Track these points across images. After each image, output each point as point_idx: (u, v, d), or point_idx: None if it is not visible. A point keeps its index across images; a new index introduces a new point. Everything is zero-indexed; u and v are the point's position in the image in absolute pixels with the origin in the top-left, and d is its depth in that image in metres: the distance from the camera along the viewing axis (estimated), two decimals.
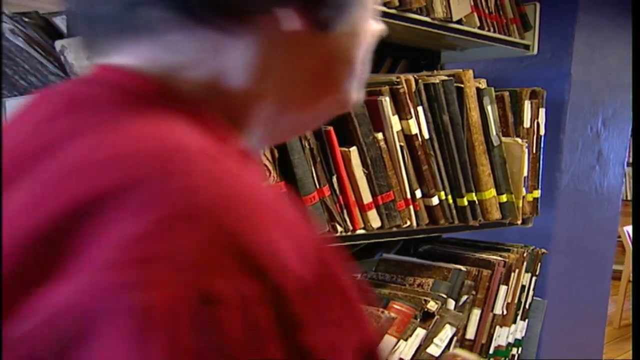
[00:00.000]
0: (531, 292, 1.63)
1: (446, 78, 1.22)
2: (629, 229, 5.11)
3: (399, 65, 1.63)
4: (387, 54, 1.60)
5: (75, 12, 0.48)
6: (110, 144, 0.38)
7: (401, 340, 1.24)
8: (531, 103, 1.50)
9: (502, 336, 1.56)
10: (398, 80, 1.15)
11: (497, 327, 1.53)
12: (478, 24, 1.38)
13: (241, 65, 0.44)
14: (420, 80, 1.19)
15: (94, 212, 0.34)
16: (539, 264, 1.63)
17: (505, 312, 1.54)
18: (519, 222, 1.48)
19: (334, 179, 1.09)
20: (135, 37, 0.44)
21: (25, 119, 0.44)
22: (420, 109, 1.19)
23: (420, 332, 1.28)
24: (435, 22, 1.27)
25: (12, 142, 0.42)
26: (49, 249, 0.34)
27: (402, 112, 1.16)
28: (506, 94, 1.41)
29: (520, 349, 1.65)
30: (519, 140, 1.40)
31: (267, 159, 1.00)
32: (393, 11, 1.20)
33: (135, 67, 0.44)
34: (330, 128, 1.08)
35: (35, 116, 0.43)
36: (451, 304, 1.38)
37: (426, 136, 1.21)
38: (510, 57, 1.94)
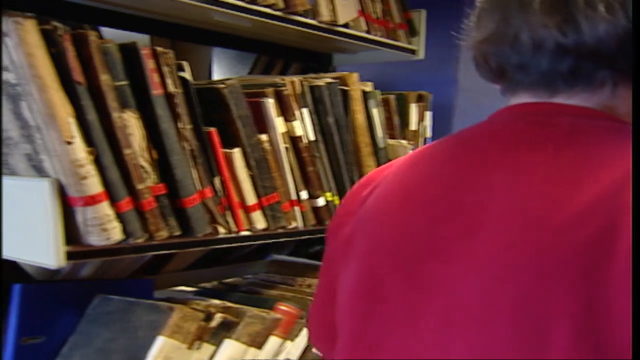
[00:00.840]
0: None
1: (331, 81, 1.23)
2: None
3: (291, 67, 1.64)
4: (279, 56, 1.61)
5: (522, 66, 0.69)
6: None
7: (287, 341, 1.24)
8: (418, 106, 1.54)
9: None
10: (283, 82, 1.16)
11: None
12: (365, 28, 1.41)
13: (628, 107, 0.68)
14: (305, 83, 1.19)
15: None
16: None
17: None
18: None
19: (217, 180, 1.08)
20: (577, 86, 0.68)
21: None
22: (305, 110, 1.20)
23: (306, 332, 1.29)
24: (322, 25, 1.28)
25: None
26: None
27: (286, 113, 1.17)
28: (392, 97, 1.45)
29: None
30: (404, 142, 1.44)
31: (146, 160, 0.97)
32: (278, 13, 1.21)
33: (579, 106, 0.68)
34: (213, 129, 1.07)
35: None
36: None
37: (311, 138, 1.22)
38: (400, 61, 2.00)
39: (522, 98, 0.73)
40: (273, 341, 1.21)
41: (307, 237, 1.34)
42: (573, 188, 0.59)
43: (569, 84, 0.68)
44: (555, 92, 0.69)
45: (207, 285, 1.57)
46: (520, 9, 0.67)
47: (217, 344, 1.12)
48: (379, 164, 1.39)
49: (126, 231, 0.94)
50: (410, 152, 0.92)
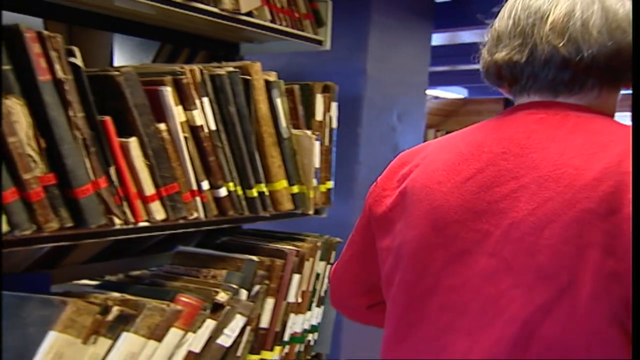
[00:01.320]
0: (326, 280, 1.69)
1: (233, 70, 1.22)
2: None
3: (198, 56, 1.61)
4: (185, 44, 1.58)
5: (534, 75, 0.93)
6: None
7: (189, 333, 1.23)
8: (323, 97, 1.55)
9: (298, 323, 1.61)
10: (182, 70, 1.14)
11: (292, 314, 1.57)
12: (269, 18, 1.40)
13: (607, 105, 0.94)
14: (205, 71, 1.18)
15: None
16: (333, 252, 1.70)
17: (300, 300, 1.58)
18: (311, 212, 1.53)
19: (112, 170, 1.05)
20: (574, 90, 0.92)
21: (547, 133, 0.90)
22: (205, 100, 1.18)
23: (210, 324, 1.28)
24: (224, 13, 1.27)
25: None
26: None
27: (186, 102, 1.15)
28: (296, 87, 1.45)
29: (316, 334, 1.71)
30: (309, 132, 1.45)
31: (33, 149, 0.94)
32: (180, 0, 1.19)
33: (576, 104, 0.92)
34: (107, 118, 1.04)
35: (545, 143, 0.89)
36: (244, 294, 1.39)
37: (212, 127, 1.20)
38: (309, 52, 2.01)
39: (532, 98, 0.96)
40: (174, 333, 1.19)
41: (209, 227, 1.33)
42: (589, 159, 0.83)
43: (567, 88, 0.92)
44: (558, 94, 0.94)
45: (112, 278, 1.53)
46: (535, 34, 0.91)
47: (115, 337, 1.10)
48: (283, 155, 1.39)
49: (11, 223, 0.90)
50: (427, 141, 1.10)
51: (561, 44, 0.89)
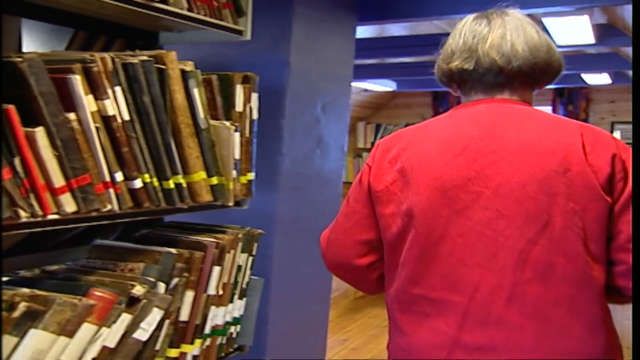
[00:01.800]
0: (248, 272, 1.69)
1: (146, 58, 1.19)
2: None
3: (114, 44, 1.57)
4: (101, 32, 1.53)
5: (471, 73, 1.33)
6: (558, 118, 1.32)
7: (103, 328, 1.20)
8: (243, 87, 1.54)
9: (219, 316, 1.59)
10: (92, 58, 1.10)
11: (213, 307, 1.56)
12: (186, 6, 1.38)
13: (530, 100, 1.37)
14: (117, 60, 1.15)
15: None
16: (256, 244, 1.69)
17: (221, 292, 1.57)
18: (231, 203, 1.52)
19: (17, 161, 1.01)
20: (506, 89, 1.32)
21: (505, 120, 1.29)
22: (118, 89, 1.15)
23: (125, 318, 1.25)
24: (138, 0, 1.24)
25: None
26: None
27: (97, 91, 1.12)
28: (214, 77, 1.43)
29: (238, 326, 1.71)
30: (227, 123, 1.43)
31: None
32: None
33: (510, 99, 1.33)
34: (11, 106, 1.00)
35: (498, 122, 1.28)
36: (162, 287, 1.37)
37: (126, 118, 1.18)
38: (230, 42, 1.98)
39: (477, 95, 1.36)
40: (86, 328, 1.16)
41: (125, 220, 1.30)
42: (542, 136, 1.23)
43: (502, 88, 1.34)
44: (499, 92, 1.35)
45: (27, 273, 1.47)
46: (479, 50, 1.31)
47: (21, 335, 1.06)
48: (201, 146, 1.38)
49: None
50: (397, 131, 1.41)
51: (497, 57, 1.30)
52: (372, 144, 7.53)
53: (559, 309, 1.20)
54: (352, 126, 7.72)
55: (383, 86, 6.47)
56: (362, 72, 5.77)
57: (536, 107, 1.37)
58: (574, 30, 3.47)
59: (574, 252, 1.19)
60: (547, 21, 3.22)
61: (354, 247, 1.41)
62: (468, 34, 1.33)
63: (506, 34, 1.30)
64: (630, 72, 5.58)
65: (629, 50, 4.72)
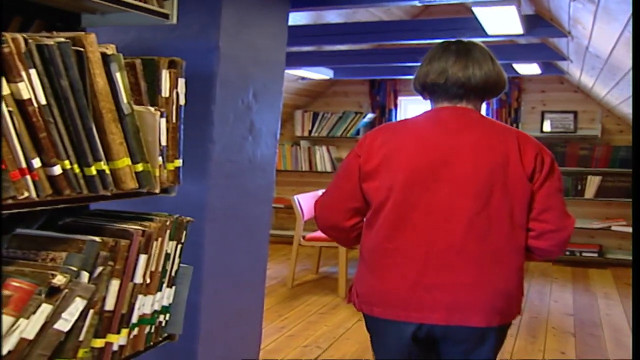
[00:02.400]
0: (177, 260, 1.67)
1: (63, 40, 1.15)
2: (299, 197, 5.58)
3: (32, 25, 1.51)
4: (17, 11, 1.47)
5: (440, 86, 1.83)
6: (504, 126, 1.88)
7: (21, 319, 1.16)
8: (169, 72, 1.51)
9: (147, 304, 1.57)
10: (3, 38, 1.06)
11: (140, 296, 1.53)
12: None
13: (481, 109, 1.92)
14: (31, 41, 1.11)
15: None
16: (185, 232, 1.67)
17: (148, 281, 1.55)
18: (157, 191, 1.49)
19: None
20: (464, 99, 1.84)
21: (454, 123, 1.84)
22: (33, 72, 1.11)
23: (45, 308, 1.22)
24: None
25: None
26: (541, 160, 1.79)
27: (10, 74, 1.08)
28: (138, 61, 1.40)
29: (168, 315, 1.68)
30: (152, 109, 1.40)
31: None
32: None
33: (467, 107, 1.84)
34: None
35: (457, 124, 1.84)
36: (85, 276, 1.34)
37: (42, 102, 1.14)
38: (159, 26, 1.94)
39: (443, 103, 1.85)
40: (3, 320, 1.12)
41: (46, 208, 1.26)
42: (491, 137, 1.77)
43: (464, 98, 1.82)
44: (459, 102, 1.83)
45: None
46: (448, 69, 1.79)
47: None
48: (124, 131, 1.35)
49: None
50: (376, 127, 1.98)
51: (462, 75, 1.80)
52: (310, 132, 7.55)
53: (491, 258, 1.78)
54: (289, 114, 7.71)
55: (320, 74, 6.48)
56: (299, 60, 5.76)
57: None
58: (502, 20, 3.56)
59: (504, 221, 1.77)
60: (477, 10, 3.28)
61: (344, 213, 1.92)
62: (442, 60, 1.83)
63: (469, 62, 1.81)
64: (559, 63, 5.76)
65: (556, 41, 4.87)
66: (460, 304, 1.76)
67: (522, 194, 1.76)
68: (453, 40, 1.89)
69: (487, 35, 4.06)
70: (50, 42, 1.13)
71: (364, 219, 1.91)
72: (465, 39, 1.88)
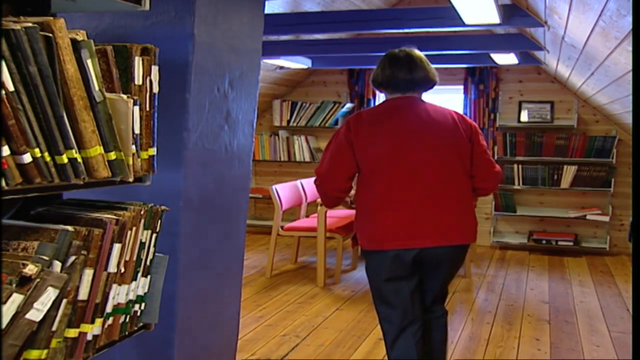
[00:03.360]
0: (152, 249, 1.66)
1: (30, 25, 1.13)
2: (277, 187, 5.56)
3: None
4: None
5: (394, 84, 2.65)
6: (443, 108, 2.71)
7: None
8: (142, 59, 1.49)
9: (122, 294, 1.56)
10: None
11: (115, 285, 1.52)
12: None
13: (421, 96, 2.73)
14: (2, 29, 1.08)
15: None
16: (159, 220, 1.66)
17: (123, 270, 1.54)
18: (131, 179, 1.48)
19: None
20: (411, 91, 2.63)
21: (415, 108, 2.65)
22: None
23: (16, 298, 1.20)
24: None
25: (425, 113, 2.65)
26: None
27: None
28: (109, 48, 1.38)
29: (143, 304, 1.67)
30: (125, 96, 1.39)
31: None
32: None
33: (415, 97, 2.65)
34: None
35: (415, 107, 2.65)
36: (57, 265, 1.32)
37: (10, 88, 1.12)
38: (132, 13, 1.92)
39: (397, 94, 2.64)
40: None
41: (15, 197, 1.24)
42: (438, 114, 2.62)
43: (410, 90, 2.62)
44: (409, 92, 2.62)
45: None
46: (399, 69, 2.59)
47: None
48: (96, 119, 1.33)
49: None
50: (356, 113, 2.73)
51: (411, 73, 2.56)
52: (289, 121, 7.53)
53: (457, 197, 2.61)
54: (267, 104, 7.68)
55: (298, 63, 6.46)
56: (277, 49, 5.73)
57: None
58: (480, 10, 3.57)
59: (460, 171, 2.61)
60: (454, 0, 3.29)
61: (344, 177, 2.66)
62: (393, 65, 2.63)
63: (412, 66, 2.60)
64: (536, 53, 5.80)
65: (533, 31, 4.90)
66: (443, 231, 2.58)
67: (466, 152, 2.63)
68: (398, 50, 2.66)
69: (464, 25, 4.07)
70: (17, 26, 1.11)
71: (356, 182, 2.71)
72: (407, 49, 2.65)
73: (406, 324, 2.65)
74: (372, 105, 7.42)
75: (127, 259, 1.54)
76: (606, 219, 6.65)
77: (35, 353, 1.26)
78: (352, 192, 2.81)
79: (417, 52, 2.64)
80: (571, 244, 6.76)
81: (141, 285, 1.64)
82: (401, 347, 2.66)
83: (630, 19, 2.41)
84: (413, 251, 2.57)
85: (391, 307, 2.67)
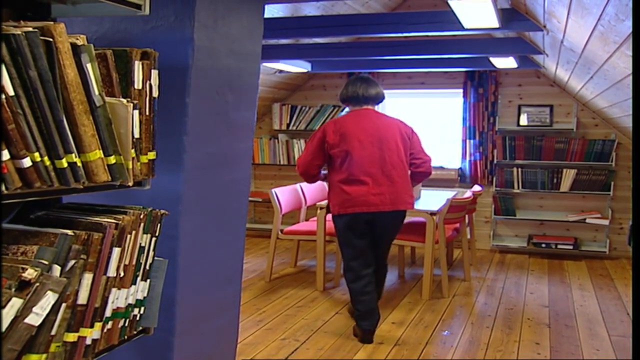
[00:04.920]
0: (151, 253, 1.65)
1: (30, 30, 1.13)
2: (276, 190, 5.56)
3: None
4: None
5: (355, 99, 4.00)
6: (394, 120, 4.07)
7: None
8: (142, 64, 1.49)
9: (121, 298, 1.56)
10: None
11: (114, 289, 1.52)
12: None
13: (375, 108, 4.11)
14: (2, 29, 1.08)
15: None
16: (159, 224, 1.66)
17: (122, 274, 1.53)
18: (131, 183, 1.48)
19: None
20: (367, 105, 3.98)
21: (366, 118, 3.96)
22: None
23: (15, 302, 1.20)
24: None
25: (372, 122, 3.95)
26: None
27: None
28: (109, 52, 1.38)
29: (142, 309, 1.67)
30: (124, 100, 1.39)
31: None
32: None
33: (370, 109, 3.99)
34: None
35: (371, 116, 3.98)
36: (57, 270, 1.32)
37: (10, 93, 1.12)
38: (132, 18, 1.92)
39: (357, 107, 3.98)
40: None
41: (15, 200, 1.24)
42: (387, 122, 3.95)
43: (366, 104, 3.97)
44: (365, 105, 3.97)
45: None
46: (358, 88, 3.95)
47: None
48: (96, 123, 1.33)
49: None
50: (331, 120, 4.27)
51: (366, 93, 3.93)
52: (288, 125, 7.54)
53: (400, 178, 3.86)
54: (267, 108, 7.68)
55: (298, 67, 6.46)
56: (276, 53, 5.74)
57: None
58: (479, 14, 3.57)
59: (398, 160, 3.86)
60: (453, 4, 3.30)
61: (314, 166, 3.94)
62: (355, 86, 3.94)
63: (368, 87, 3.93)
64: (535, 57, 5.81)
65: (532, 35, 4.91)
66: (391, 200, 3.84)
67: (405, 148, 3.93)
68: (358, 74, 4.17)
69: (464, 29, 4.08)
70: (18, 31, 1.11)
71: (327, 169, 4.03)
72: (364, 74, 4.15)
73: (362, 268, 3.95)
74: None
75: (127, 263, 1.54)
76: (606, 222, 6.65)
77: (34, 357, 1.26)
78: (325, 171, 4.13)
79: (370, 77, 4.07)
80: (571, 247, 6.76)
81: (140, 289, 1.64)
82: (359, 284, 3.96)
83: (629, 23, 2.42)
84: (366, 214, 3.83)
85: (353, 257, 3.96)
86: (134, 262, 1.57)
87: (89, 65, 1.28)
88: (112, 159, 1.40)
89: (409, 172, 4.00)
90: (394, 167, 3.84)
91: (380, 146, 3.81)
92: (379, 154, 3.81)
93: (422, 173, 4.05)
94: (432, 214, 4.99)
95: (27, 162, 1.18)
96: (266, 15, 2.48)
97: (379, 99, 3.97)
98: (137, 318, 1.66)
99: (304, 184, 6.11)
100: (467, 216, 5.79)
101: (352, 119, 3.89)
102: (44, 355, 1.29)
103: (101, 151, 1.36)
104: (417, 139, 4.03)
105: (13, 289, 1.20)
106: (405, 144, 3.91)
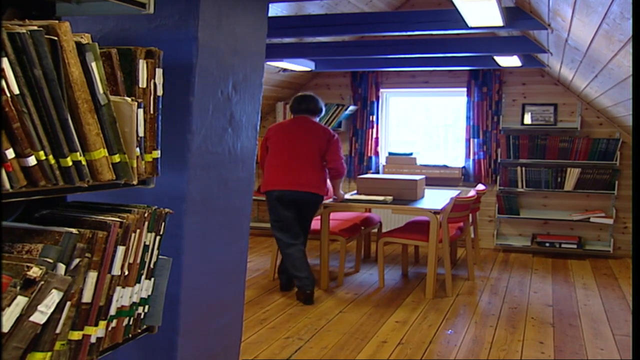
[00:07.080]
0: (156, 251, 1.66)
1: (35, 29, 1.14)
2: None
3: (5, 13, 1.48)
4: None
5: (296, 109, 5.21)
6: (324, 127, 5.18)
7: None
8: (146, 62, 1.49)
9: (125, 296, 1.56)
10: None
11: (119, 288, 1.52)
12: None
13: (313, 118, 5.26)
14: (2, 29, 1.09)
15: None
16: (163, 223, 1.66)
17: (126, 273, 1.54)
18: (135, 182, 1.48)
19: None
20: (303, 114, 5.16)
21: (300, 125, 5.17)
22: (5, 60, 1.09)
23: (21, 301, 1.20)
24: None
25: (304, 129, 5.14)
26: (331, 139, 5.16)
27: None
28: (114, 51, 1.38)
29: (147, 307, 1.68)
30: (129, 99, 1.39)
31: None
32: None
33: (307, 117, 5.16)
34: None
35: (305, 123, 5.14)
36: (61, 268, 1.33)
37: (15, 91, 1.12)
38: (137, 17, 1.92)
39: (296, 115, 5.18)
40: None
41: (19, 199, 1.24)
42: (317, 128, 5.09)
43: (305, 114, 5.15)
44: (303, 114, 5.14)
45: None
46: (294, 102, 5.22)
47: None
48: (101, 122, 1.33)
49: None
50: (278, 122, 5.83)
51: (299, 106, 5.17)
52: None
53: (309, 169, 4.98)
54: (271, 107, 7.68)
55: (301, 66, 6.46)
56: (280, 51, 5.74)
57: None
58: (483, 12, 3.57)
59: (316, 156, 4.99)
60: (458, 2, 3.29)
61: (263, 159, 5.16)
62: (295, 100, 5.17)
63: (300, 101, 5.14)
64: (540, 55, 5.79)
65: (537, 34, 4.90)
66: (303, 183, 4.89)
67: (323, 147, 4.97)
68: (301, 93, 5.23)
69: (468, 28, 4.07)
70: (23, 30, 1.11)
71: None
72: (308, 93, 5.26)
73: (290, 241, 4.97)
74: (375, 107, 7.44)
75: (131, 261, 1.54)
76: (610, 221, 6.64)
77: (39, 356, 1.27)
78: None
79: (312, 94, 5.20)
80: (575, 246, 6.75)
81: (145, 287, 1.64)
82: (289, 256, 4.96)
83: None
84: (287, 192, 4.88)
85: (280, 230, 5.00)
86: (138, 261, 1.57)
87: (93, 64, 1.28)
88: (116, 158, 1.40)
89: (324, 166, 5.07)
90: (311, 160, 4.97)
91: (302, 144, 4.99)
92: (300, 149, 4.99)
93: (330, 170, 5.04)
94: (436, 213, 4.99)
95: (32, 161, 1.18)
96: (270, 14, 2.48)
97: (310, 111, 5.09)
98: (142, 316, 1.66)
99: None
100: (470, 215, 5.78)
101: (289, 124, 5.16)
102: (49, 354, 1.29)
103: (106, 150, 1.36)
104: (333, 143, 5.01)
105: (18, 287, 1.20)
106: (324, 145, 5.00)
